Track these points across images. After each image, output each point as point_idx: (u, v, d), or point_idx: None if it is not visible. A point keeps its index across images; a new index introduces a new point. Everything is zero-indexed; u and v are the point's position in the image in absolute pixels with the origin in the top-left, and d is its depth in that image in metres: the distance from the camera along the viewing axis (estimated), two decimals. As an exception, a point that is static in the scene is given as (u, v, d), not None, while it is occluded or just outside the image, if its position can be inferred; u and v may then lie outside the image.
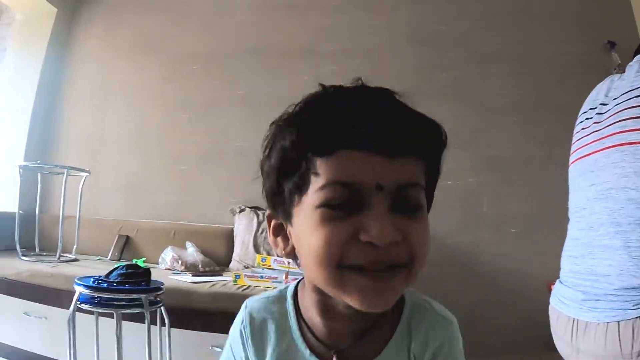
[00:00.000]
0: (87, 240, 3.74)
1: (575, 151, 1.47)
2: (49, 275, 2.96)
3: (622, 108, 1.28)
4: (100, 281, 2.25)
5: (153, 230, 3.79)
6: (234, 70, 4.06)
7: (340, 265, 0.60)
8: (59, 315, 2.78)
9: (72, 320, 2.19)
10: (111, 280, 2.25)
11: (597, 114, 1.39)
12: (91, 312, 2.33)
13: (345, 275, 0.60)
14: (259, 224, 3.46)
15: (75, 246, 3.56)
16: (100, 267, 3.09)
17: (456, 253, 3.35)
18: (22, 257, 3.29)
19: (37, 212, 3.72)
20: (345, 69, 3.75)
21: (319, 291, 0.69)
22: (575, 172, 1.44)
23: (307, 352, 0.73)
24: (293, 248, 0.69)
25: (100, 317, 2.40)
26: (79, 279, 2.27)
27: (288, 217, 0.68)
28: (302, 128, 0.63)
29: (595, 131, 1.36)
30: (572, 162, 1.47)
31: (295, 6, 4.06)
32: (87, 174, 3.61)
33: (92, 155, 4.28)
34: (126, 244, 3.74)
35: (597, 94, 1.46)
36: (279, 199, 0.68)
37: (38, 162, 3.74)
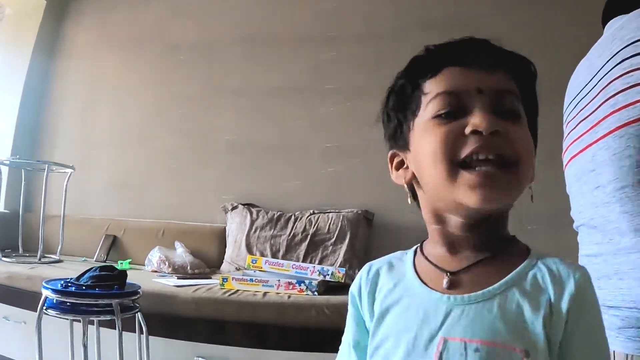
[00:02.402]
0: (73, 241, 3.59)
1: (567, 149, 1.22)
2: (25, 277, 2.82)
3: (607, 82, 1.04)
4: (69, 284, 2.07)
5: (141, 230, 3.64)
6: (226, 61, 3.90)
7: (453, 162, 0.65)
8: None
9: (38, 328, 2.06)
10: (81, 283, 2.07)
11: (582, 99, 1.15)
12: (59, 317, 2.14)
13: (457, 171, 0.65)
14: (252, 222, 3.26)
15: (59, 246, 3.41)
16: (83, 269, 2.93)
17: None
18: (3, 258, 3.15)
19: (20, 211, 3.59)
20: (348, 56, 3.59)
21: (437, 219, 0.73)
22: (572, 174, 1.20)
23: (417, 281, 0.73)
24: (412, 174, 0.75)
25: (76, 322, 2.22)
26: (47, 282, 2.11)
27: (406, 145, 0.75)
28: (411, 63, 0.76)
29: (584, 119, 1.12)
30: (566, 164, 1.24)
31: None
32: (72, 170, 3.46)
33: (81, 151, 4.13)
34: (113, 244, 3.58)
35: (574, 80, 1.24)
36: (399, 133, 0.77)
37: (18, 157, 3.61)
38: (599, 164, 1.05)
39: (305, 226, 3.12)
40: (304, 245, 3.04)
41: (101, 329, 2.30)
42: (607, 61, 1.06)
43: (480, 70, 0.70)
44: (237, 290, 2.54)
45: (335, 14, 3.73)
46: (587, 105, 1.12)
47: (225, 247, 3.40)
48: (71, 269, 2.95)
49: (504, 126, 0.66)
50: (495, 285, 0.67)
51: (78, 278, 2.12)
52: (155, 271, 3.08)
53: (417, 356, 0.66)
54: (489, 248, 0.71)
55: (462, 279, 0.70)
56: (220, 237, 3.48)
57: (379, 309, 0.74)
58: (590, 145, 1.08)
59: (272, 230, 3.19)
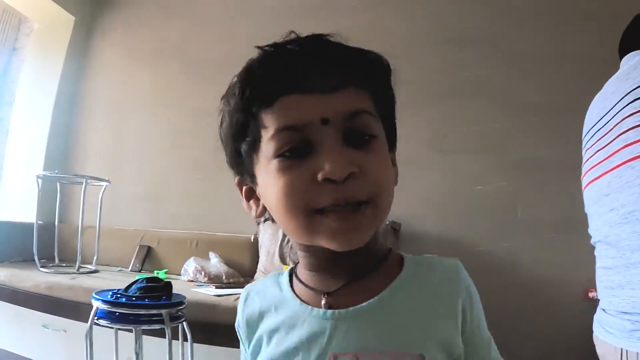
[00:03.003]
0: (108, 251, 3.67)
1: (585, 174, 1.38)
2: (67, 287, 2.90)
3: (620, 118, 1.19)
4: (118, 295, 2.15)
5: (175, 241, 3.70)
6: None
7: (307, 211, 0.60)
8: (79, 328, 2.72)
9: (89, 337, 2.12)
10: (130, 294, 2.14)
11: (598, 130, 1.30)
12: (110, 327, 2.22)
13: (314, 220, 0.61)
14: (285, 233, 3.30)
15: (95, 257, 3.49)
16: (121, 279, 3.03)
17: (489, 260, 3.23)
18: (41, 269, 3.23)
19: (56, 223, 3.67)
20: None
21: (304, 247, 0.70)
22: (590, 198, 1.35)
23: (297, 301, 0.70)
24: (264, 207, 0.70)
25: (120, 331, 2.30)
26: (97, 292, 2.18)
27: (253, 178, 0.69)
28: (243, 86, 0.65)
29: (601, 149, 1.27)
30: (585, 187, 1.38)
31: (312, 8, 3.93)
32: (107, 183, 3.54)
33: (112, 164, 4.24)
34: (147, 255, 3.66)
35: (591, 113, 1.38)
36: (241, 163, 0.70)
37: (56, 171, 3.69)
38: (613, 189, 1.20)
39: (334, 236, 3.15)
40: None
41: (144, 336, 2.37)
42: (620, 99, 1.20)
43: (321, 93, 0.62)
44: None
45: (351, 31, 3.78)
46: (603, 136, 1.26)
47: (258, 257, 3.44)
48: (110, 279, 3.06)
49: (358, 160, 0.61)
50: (380, 296, 0.66)
51: (126, 289, 2.18)
52: (192, 281, 3.14)
53: None
54: (365, 264, 0.69)
55: (341, 297, 0.68)
56: (253, 247, 3.52)
57: (264, 334, 0.72)
58: (606, 172, 1.23)
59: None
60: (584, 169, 1.39)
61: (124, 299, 2.10)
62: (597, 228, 1.31)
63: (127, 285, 2.22)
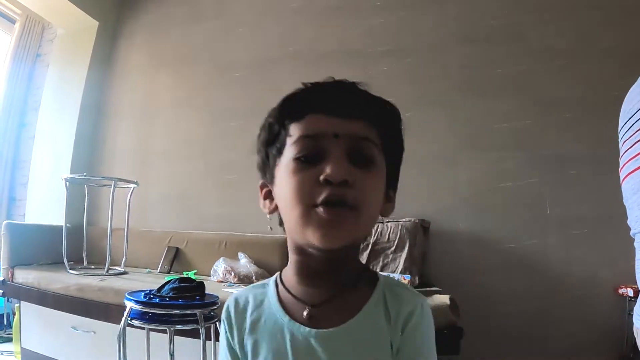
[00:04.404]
0: (136, 253, 3.69)
1: (624, 166, 1.34)
2: (97, 289, 2.91)
3: None
4: (151, 296, 2.14)
5: (203, 242, 3.69)
6: (279, 76, 3.91)
7: (307, 204, 0.71)
8: (108, 329, 2.75)
9: (122, 337, 2.11)
10: (163, 295, 2.14)
11: (637, 121, 1.27)
12: (142, 328, 2.21)
13: (310, 212, 0.71)
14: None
15: (124, 259, 3.50)
16: (150, 280, 3.04)
17: (520, 257, 3.21)
18: (70, 271, 3.25)
19: (84, 225, 3.69)
20: (396, 70, 3.63)
21: (298, 250, 0.79)
22: (629, 189, 1.31)
23: (281, 312, 0.80)
24: (276, 206, 0.80)
25: (151, 332, 2.29)
26: (130, 293, 2.18)
27: (272, 179, 0.81)
28: (282, 105, 0.81)
29: (639, 141, 1.25)
30: (624, 179, 1.35)
31: (339, 8, 3.92)
32: (135, 185, 3.54)
33: (139, 166, 4.26)
34: (176, 256, 3.66)
35: (627, 104, 1.35)
36: (267, 166, 0.82)
37: (85, 174, 3.71)
38: None
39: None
40: (365, 254, 3.07)
41: (175, 337, 2.37)
42: None
43: (339, 118, 0.75)
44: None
45: (383, 29, 3.77)
46: None
47: (286, 257, 3.37)
48: (139, 280, 3.06)
49: (354, 174, 0.71)
50: (353, 319, 0.76)
51: (159, 290, 2.18)
52: (221, 281, 3.14)
53: None
54: (344, 280, 0.79)
55: (322, 311, 0.78)
56: (282, 247, 3.42)
57: (250, 343, 0.81)
58: None
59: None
60: (622, 161, 1.36)
61: (157, 300, 2.10)
62: (638, 219, 1.28)
63: (160, 286, 2.21)
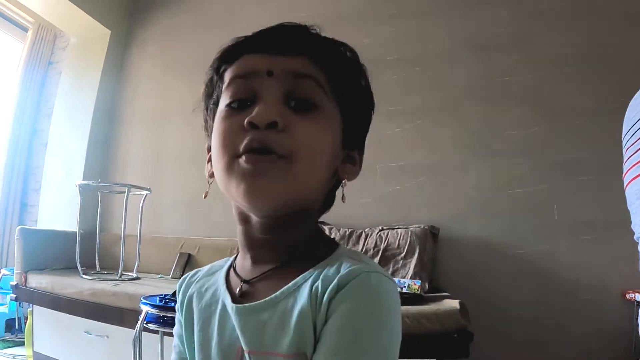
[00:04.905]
0: (148, 259, 3.72)
1: (627, 172, 1.38)
2: (111, 294, 2.94)
3: None
4: (167, 300, 2.17)
5: (215, 248, 3.70)
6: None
7: (231, 155, 0.62)
8: (121, 334, 2.78)
9: (137, 340, 2.15)
10: (178, 298, 2.16)
11: (638, 129, 1.30)
12: (156, 332, 2.25)
13: (233, 163, 0.62)
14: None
15: (136, 264, 3.53)
16: (162, 285, 3.07)
17: (528, 262, 3.21)
18: (83, 276, 3.28)
19: (97, 231, 3.73)
20: (406, 78, 3.65)
21: (241, 218, 0.69)
22: (633, 194, 1.34)
23: (223, 287, 0.71)
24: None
25: (164, 336, 2.32)
26: (145, 298, 2.21)
27: (211, 135, 0.70)
28: (219, 53, 0.72)
29: None
30: (627, 185, 1.38)
31: (349, 17, 3.95)
32: (148, 192, 3.58)
33: (151, 173, 4.30)
34: (188, 262, 3.69)
35: (631, 112, 1.38)
36: (207, 123, 0.75)
37: (99, 180, 3.74)
38: None
39: (376, 242, 3.18)
40: (376, 260, 3.09)
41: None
42: None
43: (277, 55, 0.66)
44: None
45: (392, 38, 3.81)
46: None
47: None
48: (152, 285, 3.09)
49: (287, 117, 0.62)
50: (273, 295, 0.64)
51: (174, 294, 2.21)
52: (233, 287, 3.14)
53: None
54: (287, 252, 0.68)
55: (255, 288, 0.68)
56: None
57: (200, 317, 0.72)
58: None
59: (345, 246, 3.20)
60: (625, 167, 1.39)
61: (173, 304, 2.12)
62: None
63: (174, 291, 2.24)
